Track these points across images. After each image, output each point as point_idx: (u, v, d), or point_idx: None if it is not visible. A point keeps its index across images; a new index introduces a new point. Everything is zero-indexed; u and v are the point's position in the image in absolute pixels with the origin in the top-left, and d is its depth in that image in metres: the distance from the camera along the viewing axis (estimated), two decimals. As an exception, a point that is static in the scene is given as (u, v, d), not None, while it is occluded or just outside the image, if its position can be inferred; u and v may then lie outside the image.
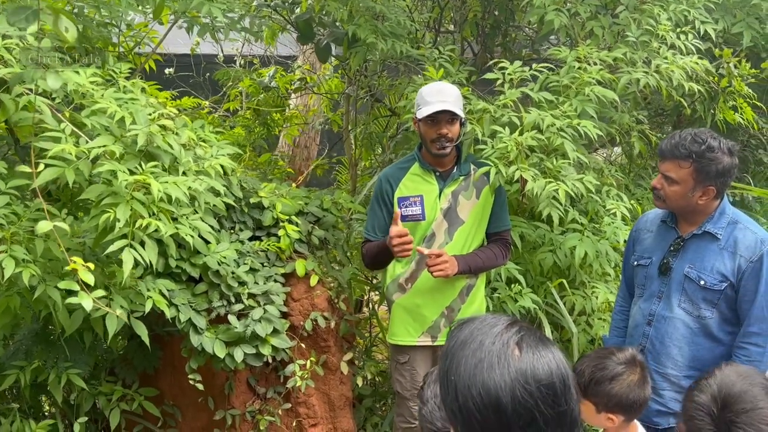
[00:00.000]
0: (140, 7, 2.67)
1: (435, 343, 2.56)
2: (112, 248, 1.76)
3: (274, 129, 4.60)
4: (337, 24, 3.41)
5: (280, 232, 2.72)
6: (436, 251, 2.39)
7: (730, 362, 1.69)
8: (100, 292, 1.77)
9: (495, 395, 0.89)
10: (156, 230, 1.79)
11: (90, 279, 1.70)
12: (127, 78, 2.28)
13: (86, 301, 1.71)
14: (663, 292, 2.15)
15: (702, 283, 2.06)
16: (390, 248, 2.34)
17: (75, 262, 1.68)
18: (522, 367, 0.90)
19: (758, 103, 3.55)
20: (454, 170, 2.52)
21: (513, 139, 2.47)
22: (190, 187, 1.87)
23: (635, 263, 2.26)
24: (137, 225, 1.78)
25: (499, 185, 2.51)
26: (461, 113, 2.39)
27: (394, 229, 2.32)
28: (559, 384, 0.91)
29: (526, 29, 4.08)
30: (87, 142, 1.81)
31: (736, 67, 3.33)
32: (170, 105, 3.41)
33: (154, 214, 1.83)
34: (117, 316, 1.94)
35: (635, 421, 1.73)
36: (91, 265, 1.71)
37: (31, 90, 1.70)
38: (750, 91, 3.38)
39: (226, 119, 4.48)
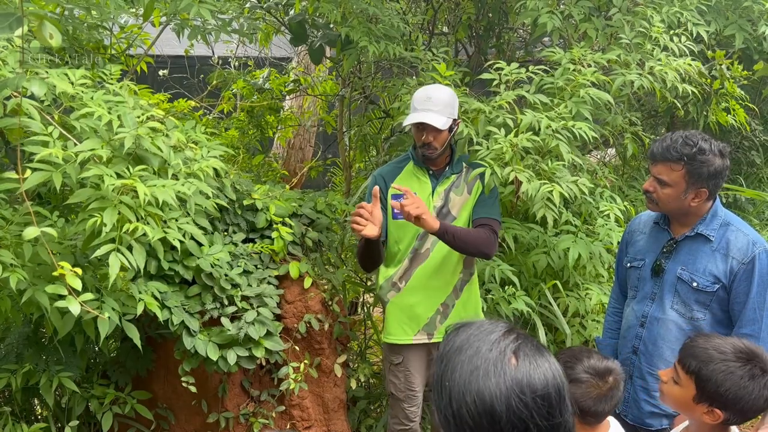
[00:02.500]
0: (130, 9, 2.66)
1: (431, 341, 2.56)
2: (98, 252, 1.75)
3: (268, 131, 4.60)
4: (331, 26, 3.41)
5: (274, 234, 2.72)
6: (407, 190, 2.30)
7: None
8: (89, 296, 1.76)
9: (490, 404, 0.88)
10: (144, 234, 1.78)
11: (77, 284, 1.69)
12: (119, 80, 2.27)
13: (74, 306, 1.70)
14: (656, 293, 2.15)
15: (694, 284, 2.06)
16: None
17: (62, 267, 1.67)
18: (518, 377, 0.89)
19: (750, 105, 3.57)
20: (447, 169, 2.53)
21: (508, 140, 2.47)
22: (178, 190, 1.86)
23: (628, 265, 2.26)
24: (124, 229, 1.77)
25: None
26: (444, 124, 2.36)
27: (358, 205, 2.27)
28: (554, 395, 0.90)
29: (520, 31, 4.09)
30: (75, 145, 1.80)
31: (728, 69, 3.35)
32: (164, 107, 3.40)
33: (141, 218, 1.82)
34: (108, 319, 1.93)
35: (610, 418, 1.72)
36: (79, 270, 1.70)
37: (19, 93, 1.69)
38: (742, 92, 3.39)
39: (220, 121, 4.48)
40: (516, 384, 0.89)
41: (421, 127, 2.38)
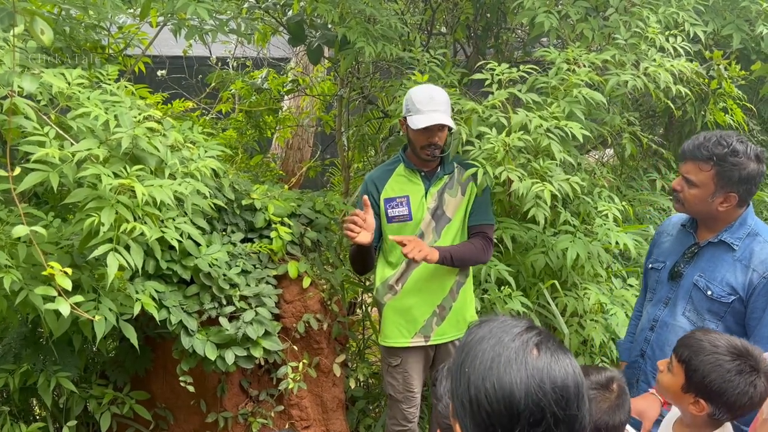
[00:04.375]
0: (127, 9, 2.66)
1: (428, 343, 2.56)
2: (96, 252, 1.75)
3: (266, 131, 4.60)
4: (329, 26, 3.41)
5: (273, 234, 2.72)
6: (405, 237, 2.35)
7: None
8: (79, 298, 1.75)
9: (509, 390, 0.90)
10: (141, 234, 1.78)
11: (67, 284, 1.68)
12: (117, 80, 2.27)
13: (63, 306, 1.69)
14: (670, 298, 2.05)
15: (709, 293, 1.94)
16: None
17: (52, 267, 1.67)
18: (539, 366, 0.91)
19: (748, 105, 3.58)
20: (439, 170, 2.53)
21: (500, 139, 2.48)
22: (176, 190, 1.86)
23: (649, 266, 2.17)
24: (122, 229, 1.77)
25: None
26: (452, 123, 2.40)
27: (351, 212, 2.30)
28: (573, 389, 0.92)
29: (518, 31, 4.09)
30: (72, 145, 1.80)
31: (726, 69, 3.35)
32: (161, 108, 3.40)
33: (139, 217, 1.82)
34: (105, 319, 1.93)
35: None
36: (69, 270, 1.70)
37: (14, 92, 1.69)
38: (740, 92, 3.40)
39: (218, 121, 4.48)
40: (537, 372, 0.90)
41: (428, 128, 2.37)
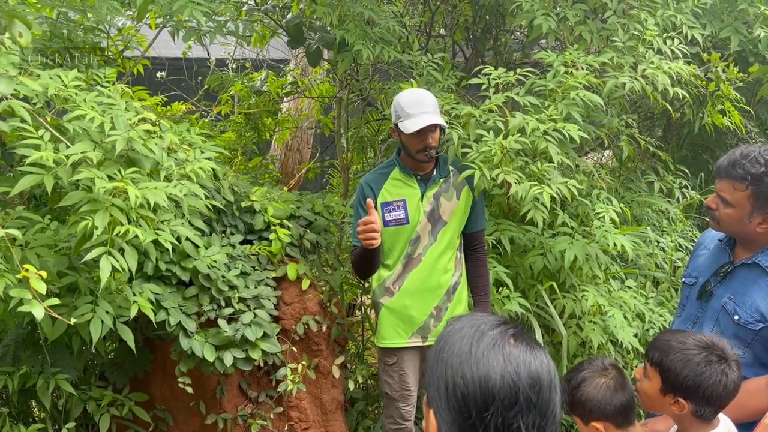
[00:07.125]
0: (124, 11, 2.67)
1: (425, 343, 2.57)
2: (90, 255, 1.75)
3: (265, 133, 4.60)
4: (328, 28, 3.42)
5: (272, 236, 2.73)
6: None
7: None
8: (54, 300, 1.73)
9: (486, 372, 0.93)
10: (135, 237, 1.77)
11: (41, 287, 1.66)
12: (114, 82, 2.27)
13: (37, 310, 1.67)
14: (698, 317, 1.92)
15: (736, 318, 1.80)
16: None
17: (27, 270, 1.65)
18: (515, 353, 0.95)
19: (746, 107, 3.58)
20: (434, 173, 2.53)
21: (498, 142, 2.48)
22: (170, 192, 1.85)
23: (682, 280, 2.05)
24: (116, 232, 1.76)
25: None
26: (443, 122, 2.40)
27: (362, 219, 2.25)
28: (545, 376, 0.95)
29: (517, 33, 4.10)
30: (67, 147, 1.80)
31: (724, 71, 3.36)
32: (160, 110, 3.41)
33: (133, 220, 1.81)
34: (102, 322, 1.93)
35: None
36: (44, 273, 1.68)
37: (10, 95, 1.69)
38: (737, 94, 3.40)
39: (217, 123, 4.48)
40: (513, 358, 0.94)
41: (421, 131, 2.38)
